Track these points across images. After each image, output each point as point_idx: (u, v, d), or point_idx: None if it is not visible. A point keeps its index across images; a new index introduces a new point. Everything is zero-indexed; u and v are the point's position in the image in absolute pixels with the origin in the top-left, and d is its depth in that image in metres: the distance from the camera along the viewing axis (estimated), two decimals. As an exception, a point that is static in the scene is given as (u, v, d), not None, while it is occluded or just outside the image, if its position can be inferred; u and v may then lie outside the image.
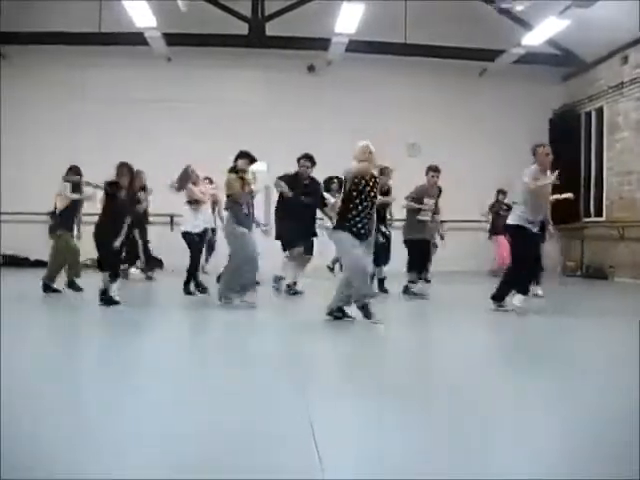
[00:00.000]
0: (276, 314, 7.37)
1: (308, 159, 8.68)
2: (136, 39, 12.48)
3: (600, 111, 13.64)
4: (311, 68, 14.18)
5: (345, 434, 2.96)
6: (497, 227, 12.36)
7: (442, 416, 3.21)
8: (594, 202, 13.77)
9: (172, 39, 12.86)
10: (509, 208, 12.16)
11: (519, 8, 12.23)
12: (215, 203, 9.22)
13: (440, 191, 8.83)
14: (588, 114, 14.13)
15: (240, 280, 7.17)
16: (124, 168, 7.24)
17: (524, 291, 6.88)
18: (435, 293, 9.30)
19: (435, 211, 8.90)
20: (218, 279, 7.81)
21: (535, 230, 6.83)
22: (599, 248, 12.76)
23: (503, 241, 12.52)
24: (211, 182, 9.31)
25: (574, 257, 13.95)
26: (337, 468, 2.50)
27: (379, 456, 2.65)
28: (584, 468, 2.53)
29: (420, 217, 8.62)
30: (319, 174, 9.31)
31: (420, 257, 8.79)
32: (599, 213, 13.54)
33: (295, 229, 8.43)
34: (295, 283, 8.59)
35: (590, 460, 2.62)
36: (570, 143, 13.76)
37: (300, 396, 3.47)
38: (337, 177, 9.91)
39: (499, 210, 12.29)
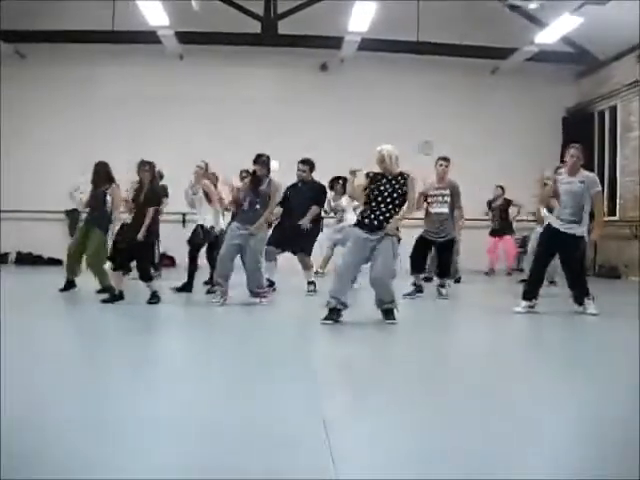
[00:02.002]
0: (291, 314, 7.39)
1: (302, 163, 8.63)
2: (149, 37, 12.55)
3: (614, 110, 13.56)
4: (324, 66, 14.19)
5: (359, 435, 2.96)
6: (503, 226, 12.22)
7: (458, 416, 3.21)
8: (607, 201, 13.68)
9: (185, 37, 12.92)
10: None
11: (532, 6, 12.19)
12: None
13: (457, 190, 8.43)
14: (602, 113, 14.06)
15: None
16: (145, 165, 7.32)
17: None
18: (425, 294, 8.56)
19: (453, 207, 8.42)
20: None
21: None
22: (612, 247, 12.69)
23: (510, 243, 12.42)
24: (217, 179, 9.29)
25: (587, 256, 13.84)
26: (350, 469, 2.50)
27: (393, 457, 2.65)
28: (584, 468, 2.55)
29: (430, 209, 8.42)
30: (330, 173, 9.31)
31: (415, 255, 8.49)
32: (612, 212, 13.46)
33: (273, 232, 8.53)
34: (272, 283, 8.41)
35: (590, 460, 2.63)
36: (583, 142, 13.63)
37: (314, 396, 3.48)
38: (342, 177, 9.89)
39: (503, 206, 12.13)
